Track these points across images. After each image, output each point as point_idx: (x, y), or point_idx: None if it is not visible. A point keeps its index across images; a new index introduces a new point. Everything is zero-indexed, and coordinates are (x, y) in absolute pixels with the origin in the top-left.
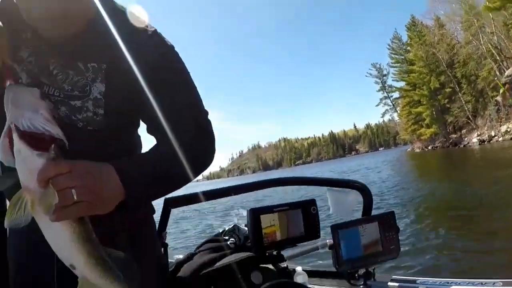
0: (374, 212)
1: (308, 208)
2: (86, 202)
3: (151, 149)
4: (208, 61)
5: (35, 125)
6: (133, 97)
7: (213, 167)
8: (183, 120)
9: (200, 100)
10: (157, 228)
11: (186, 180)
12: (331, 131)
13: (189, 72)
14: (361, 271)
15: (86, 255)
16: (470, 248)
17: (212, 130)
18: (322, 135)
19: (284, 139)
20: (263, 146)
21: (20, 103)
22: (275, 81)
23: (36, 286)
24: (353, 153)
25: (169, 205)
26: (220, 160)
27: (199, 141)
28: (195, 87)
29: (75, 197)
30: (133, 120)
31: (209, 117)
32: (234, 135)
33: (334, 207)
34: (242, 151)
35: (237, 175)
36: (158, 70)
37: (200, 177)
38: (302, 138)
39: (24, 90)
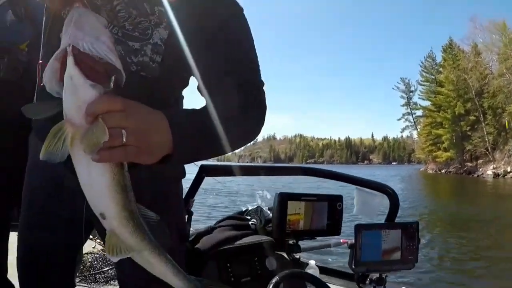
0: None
1: (334, 203)
2: (134, 146)
3: (202, 108)
4: None
5: (97, 50)
6: (193, 50)
7: None
8: (240, 83)
9: (259, 69)
10: (185, 193)
11: (232, 147)
12: (348, 136)
13: (253, 39)
14: (373, 276)
15: (121, 206)
16: (478, 269)
17: (265, 102)
18: (339, 138)
19: (300, 136)
20: (278, 139)
21: (83, 26)
22: (301, 77)
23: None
24: (365, 162)
25: (203, 172)
26: None
27: (253, 109)
28: (256, 55)
29: (124, 139)
30: (186, 75)
31: None
32: None
33: (359, 206)
34: (256, 139)
35: (248, 162)
36: (225, 30)
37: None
38: (318, 138)
39: (90, 15)
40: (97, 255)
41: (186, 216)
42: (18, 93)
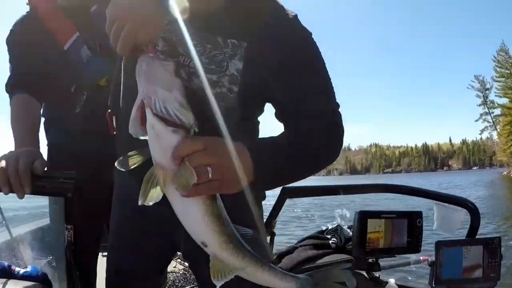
0: None
1: (414, 219)
2: (219, 180)
3: (280, 135)
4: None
5: (168, 111)
6: (268, 78)
7: None
8: (316, 109)
9: (334, 91)
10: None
11: (311, 172)
12: (425, 142)
13: (324, 62)
14: None
15: (218, 232)
16: None
17: (342, 124)
18: (415, 145)
19: (376, 145)
20: (353, 149)
21: (153, 78)
22: (371, 85)
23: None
24: (445, 168)
25: (285, 194)
26: None
27: (330, 134)
28: (330, 77)
29: (210, 175)
30: (262, 102)
31: None
32: None
33: (439, 222)
34: None
35: (324, 175)
36: (297, 55)
37: None
38: (394, 146)
39: (158, 64)
40: (178, 274)
41: (269, 237)
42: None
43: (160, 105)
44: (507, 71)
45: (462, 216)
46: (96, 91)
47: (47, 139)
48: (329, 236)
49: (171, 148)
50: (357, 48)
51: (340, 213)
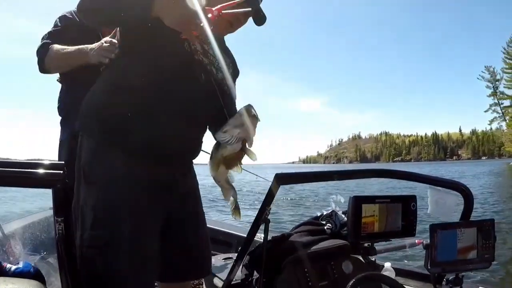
0: None
1: (408, 203)
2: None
3: None
4: (319, 45)
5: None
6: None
7: (311, 151)
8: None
9: None
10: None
11: None
12: (435, 131)
13: None
14: (450, 276)
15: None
16: None
17: None
18: (425, 134)
19: (386, 133)
20: (363, 137)
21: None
22: (384, 72)
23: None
24: (454, 157)
25: (279, 181)
26: (319, 145)
27: None
28: None
29: None
30: None
31: (313, 101)
32: (337, 121)
33: (433, 206)
34: (341, 140)
35: (334, 163)
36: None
37: (296, 159)
38: (404, 135)
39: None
40: None
41: (264, 224)
42: None
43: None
44: None
45: (455, 199)
46: None
47: (67, 130)
48: (324, 222)
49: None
50: (367, 35)
51: (335, 199)
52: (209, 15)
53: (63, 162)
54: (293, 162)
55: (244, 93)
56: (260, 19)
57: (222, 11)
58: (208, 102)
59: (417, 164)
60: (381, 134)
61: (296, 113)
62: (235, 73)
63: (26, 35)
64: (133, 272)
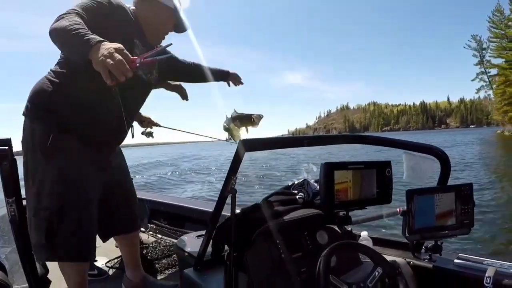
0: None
1: (383, 169)
2: None
3: None
4: (301, 17)
5: None
6: None
7: (300, 124)
8: None
9: None
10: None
11: None
12: (423, 100)
13: None
14: (429, 244)
15: None
16: None
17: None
18: (413, 103)
19: (374, 103)
20: (352, 108)
21: None
22: (370, 41)
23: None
24: (442, 126)
25: (243, 148)
26: (307, 117)
27: None
28: None
29: None
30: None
31: (298, 75)
32: (323, 94)
33: (409, 171)
34: (330, 111)
35: (322, 134)
36: None
37: (285, 132)
38: (392, 105)
39: None
40: (151, 246)
41: (230, 195)
42: None
43: None
44: (502, 32)
45: (432, 164)
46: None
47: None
48: (296, 192)
49: None
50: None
51: (307, 167)
52: (132, 63)
53: (9, 138)
54: (282, 135)
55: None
56: (181, 30)
57: (144, 59)
58: (137, 104)
59: (406, 133)
60: (369, 104)
61: (282, 86)
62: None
63: (9, 29)
64: (81, 228)
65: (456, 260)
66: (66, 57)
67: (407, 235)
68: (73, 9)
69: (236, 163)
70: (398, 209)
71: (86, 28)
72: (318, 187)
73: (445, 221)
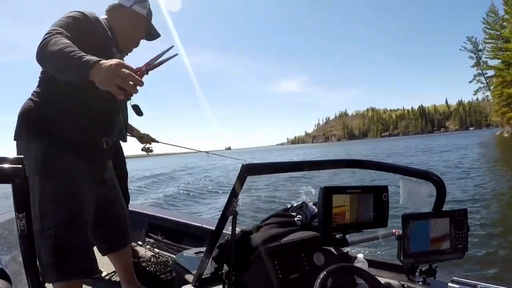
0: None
1: (380, 194)
2: None
3: None
4: (298, 23)
5: None
6: None
7: (299, 132)
8: None
9: None
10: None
11: None
12: (421, 104)
13: None
14: (423, 267)
15: None
16: None
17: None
18: (412, 108)
19: (372, 109)
20: (350, 114)
21: None
22: (368, 47)
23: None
24: (442, 129)
25: (245, 172)
26: (306, 125)
27: None
28: None
29: None
30: None
31: (296, 81)
32: (322, 100)
33: (405, 196)
34: (328, 118)
35: (322, 142)
36: None
37: (284, 140)
38: (390, 110)
39: None
40: (149, 262)
41: (231, 217)
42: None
43: None
44: (497, 33)
45: (427, 189)
46: None
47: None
48: (294, 214)
49: None
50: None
51: (305, 190)
52: (138, 73)
53: (22, 156)
54: (282, 144)
55: (226, 78)
56: (153, 37)
57: (148, 65)
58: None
59: (405, 138)
60: (367, 110)
61: (278, 95)
62: None
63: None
64: (86, 239)
65: (450, 284)
66: (46, 76)
67: (402, 258)
68: (55, 29)
69: (238, 186)
70: (394, 231)
71: (78, 49)
72: (316, 209)
73: (440, 245)
